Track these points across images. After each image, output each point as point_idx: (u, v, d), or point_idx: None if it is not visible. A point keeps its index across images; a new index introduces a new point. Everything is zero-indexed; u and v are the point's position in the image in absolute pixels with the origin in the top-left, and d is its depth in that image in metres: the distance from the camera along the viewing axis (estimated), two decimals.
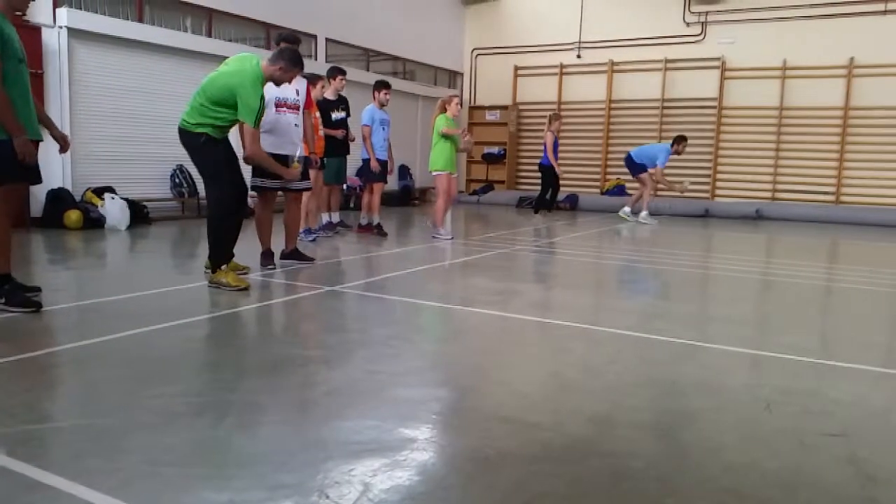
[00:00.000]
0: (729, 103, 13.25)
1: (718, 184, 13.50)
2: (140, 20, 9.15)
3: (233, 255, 5.19)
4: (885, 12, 11.83)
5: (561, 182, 11.64)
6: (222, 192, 4.75)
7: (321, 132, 7.36)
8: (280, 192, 5.73)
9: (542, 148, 14.82)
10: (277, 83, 4.92)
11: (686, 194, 13.42)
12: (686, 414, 2.68)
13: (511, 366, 3.37)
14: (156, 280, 5.01)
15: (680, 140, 10.82)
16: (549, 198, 11.74)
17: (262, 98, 4.64)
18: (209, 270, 5.32)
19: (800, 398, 2.89)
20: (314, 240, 7.28)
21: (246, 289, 4.73)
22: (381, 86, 8.27)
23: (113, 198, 8.19)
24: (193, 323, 3.87)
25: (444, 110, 8.08)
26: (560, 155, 11.82)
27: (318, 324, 4.16)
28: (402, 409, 2.60)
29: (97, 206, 8.12)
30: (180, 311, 4.04)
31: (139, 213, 8.53)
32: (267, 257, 5.61)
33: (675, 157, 10.95)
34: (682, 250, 8.13)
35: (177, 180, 9.50)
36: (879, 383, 3.19)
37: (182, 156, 9.24)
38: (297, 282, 5.12)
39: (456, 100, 8.16)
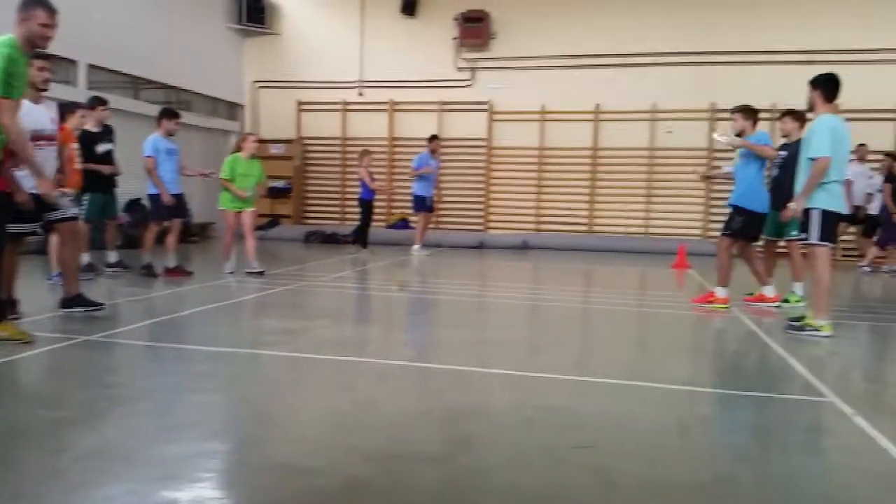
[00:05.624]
0: (497, 143, 14.37)
1: (491, 217, 14.51)
2: None
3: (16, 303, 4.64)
4: (624, 65, 13.67)
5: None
6: None
7: (77, 165, 6.68)
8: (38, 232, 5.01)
9: (333, 181, 14.96)
10: (41, 42, 4.12)
11: (462, 227, 14.27)
12: (461, 440, 2.81)
13: (291, 409, 3.28)
14: None
15: (430, 139, 11.59)
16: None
17: (11, 61, 3.91)
18: None
19: (555, 414, 3.17)
20: (54, 284, 6.41)
21: (29, 342, 4.12)
22: (169, 114, 7.70)
23: None
24: None
25: (239, 150, 8.09)
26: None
27: (69, 380, 3.71)
28: (165, 468, 2.41)
29: None
30: None
31: None
32: (9, 306, 4.85)
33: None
34: (459, 280, 8.58)
35: None
36: (621, 395, 3.62)
37: None
38: (46, 332, 4.53)
39: (252, 138, 8.18)
